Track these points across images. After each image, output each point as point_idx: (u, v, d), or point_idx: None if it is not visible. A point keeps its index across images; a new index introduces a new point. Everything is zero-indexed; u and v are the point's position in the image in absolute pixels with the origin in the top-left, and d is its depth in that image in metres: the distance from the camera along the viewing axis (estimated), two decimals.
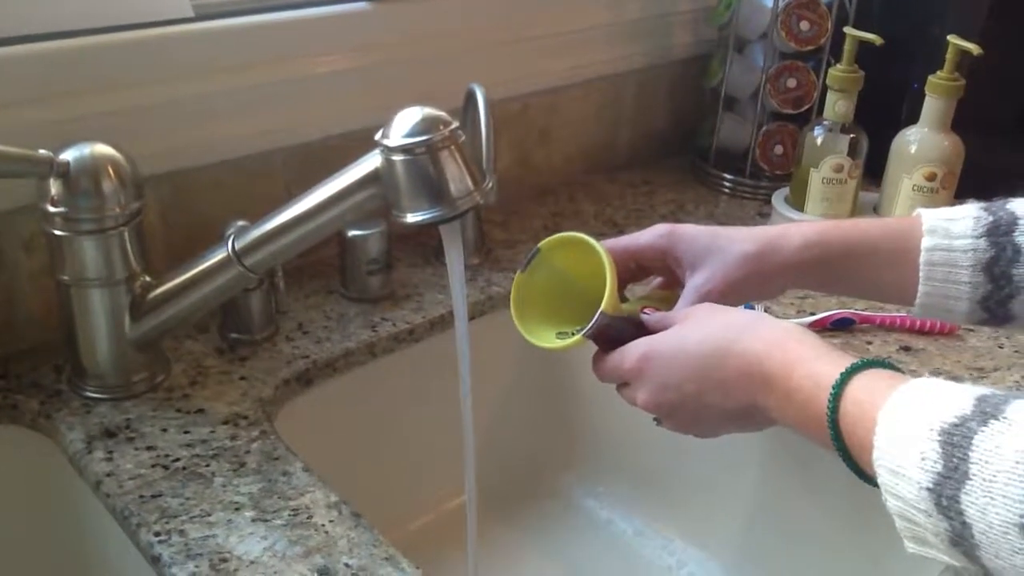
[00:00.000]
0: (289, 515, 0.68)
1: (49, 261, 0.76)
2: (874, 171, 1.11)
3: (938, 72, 1.02)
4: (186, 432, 0.76)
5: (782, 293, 0.70)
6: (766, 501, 0.93)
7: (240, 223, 0.78)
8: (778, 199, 1.14)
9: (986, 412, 0.44)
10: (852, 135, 1.07)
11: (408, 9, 1.00)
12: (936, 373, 0.87)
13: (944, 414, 0.45)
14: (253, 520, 0.67)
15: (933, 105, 1.03)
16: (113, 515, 0.69)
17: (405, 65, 1.01)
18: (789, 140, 1.23)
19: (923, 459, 0.45)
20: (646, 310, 0.66)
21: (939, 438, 0.45)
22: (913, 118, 1.07)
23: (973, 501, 0.43)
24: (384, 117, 0.69)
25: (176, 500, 0.69)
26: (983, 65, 1.01)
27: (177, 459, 0.73)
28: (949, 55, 1.01)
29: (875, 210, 1.11)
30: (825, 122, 1.08)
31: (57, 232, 0.73)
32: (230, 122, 0.90)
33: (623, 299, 0.70)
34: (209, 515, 0.67)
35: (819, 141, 1.08)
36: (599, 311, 0.63)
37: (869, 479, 0.50)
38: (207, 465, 0.72)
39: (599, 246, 0.65)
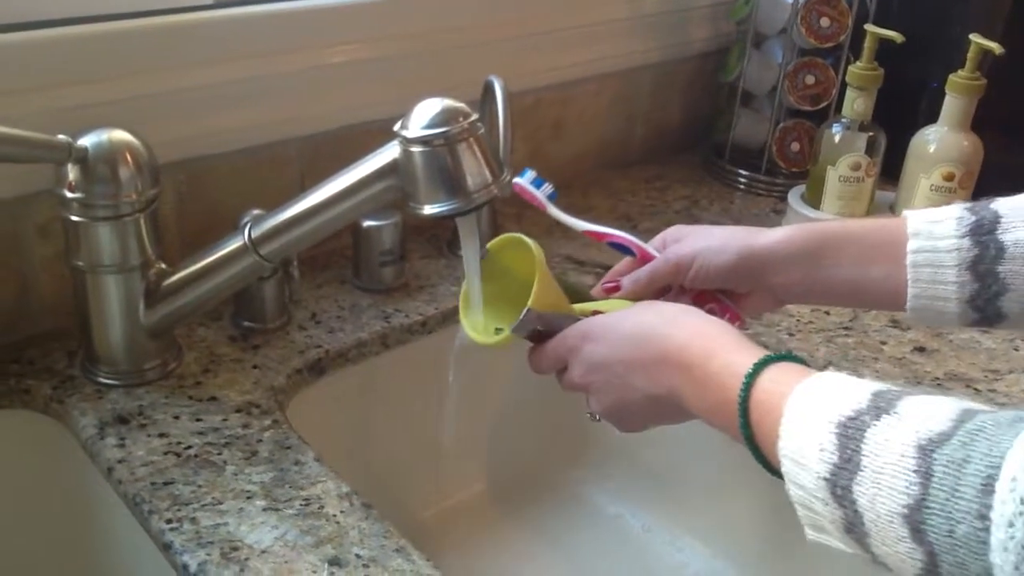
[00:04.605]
0: (301, 505, 0.68)
1: (64, 246, 0.76)
2: (889, 170, 1.11)
3: (959, 71, 1.01)
4: (198, 420, 0.76)
5: (773, 298, 0.71)
6: (776, 500, 0.92)
7: (255, 211, 0.78)
8: (794, 196, 1.13)
9: (880, 407, 0.46)
10: (870, 133, 1.06)
11: (426, 0, 0.99)
12: (951, 375, 0.87)
13: (843, 407, 0.47)
14: (264, 509, 0.67)
15: (953, 104, 1.02)
16: (125, 501, 0.69)
17: (421, 56, 1.01)
18: (806, 137, 1.22)
19: (821, 450, 0.47)
20: (598, 313, 0.67)
21: (836, 430, 0.47)
22: (931, 117, 1.07)
23: (864, 491, 0.45)
24: (399, 108, 0.68)
25: (188, 488, 0.69)
26: (1003, 64, 1.00)
27: (189, 447, 0.73)
28: (971, 54, 1.00)
29: (891, 209, 1.11)
30: (843, 120, 1.07)
31: (74, 218, 0.73)
32: (247, 110, 0.90)
33: (581, 300, 0.71)
34: (221, 503, 0.67)
35: (837, 139, 1.07)
36: (526, 308, 0.64)
37: (773, 470, 0.53)
38: (219, 453, 0.72)
39: (534, 245, 0.66)
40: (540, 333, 0.66)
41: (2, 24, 0.76)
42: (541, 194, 0.74)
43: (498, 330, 0.68)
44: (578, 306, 0.69)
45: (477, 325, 0.69)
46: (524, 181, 0.73)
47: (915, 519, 0.43)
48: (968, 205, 0.63)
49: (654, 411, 0.63)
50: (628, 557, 0.97)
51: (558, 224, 0.75)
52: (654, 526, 0.99)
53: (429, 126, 0.65)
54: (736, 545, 0.95)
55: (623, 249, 0.74)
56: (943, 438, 0.43)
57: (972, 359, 0.89)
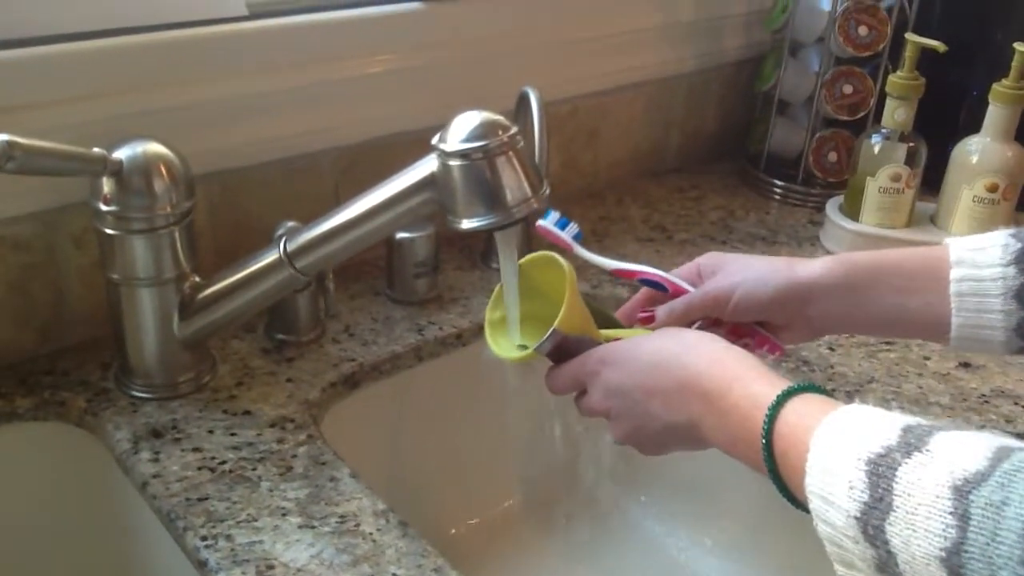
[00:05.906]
0: (336, 522, 0.67)
1: (99, 258, 0.76)
2: (928, 180, 1.09)
3: (1003, 80, 0.99)
4: (232, 434, 0.75)
5: (811, 329, 0.69)
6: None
7: (290, 224, 0.78)
8: (832, 207, 1.12)
9: (910, 443, 0.45)
10: (911, 144, 1.04)
11: (460, 10, 0.99)
12: (997, 392, 0.85)
13: (871, 444, 0.46)
14: (300, 527, 0.66)
15: (997, 114, 1.00)
16: (159, 517, 0.69)
17: (456, 66, 1.00)
18: (843, 147, 1.20)
19: (851, 488, 0.46)
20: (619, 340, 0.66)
21: (866, 468, 0.46)
22: (972, 126, 1.05)
23: (897, 532, 0.44)
24: (433, 119, 0.68)
25: (223, 504, 0.68)
26: None
27: (223, 462, 0.72)
28: (1015, 63, 0.98)
29: (932, 221, 1.09)
30: (883, 130, 1.05)
31: (108, 231, 0.73)
32: (280, 121, 0.89)
33: (606, 325, 0.70)
34: (256, 520, 0.67)
35: (877, 149, 1.05)
36: (552, 328, 0.63)
37: (797, 502, 0.52)
38: (254, 469, 0.71)
39: (567, 266, 0.65)
40: (561, 353, 0.66)
41: (36, 37, 0.76)
42: (567, 235, 0.72)
43: (521, 347, 0.68)
44: (604, 332, 0.69)
45: (501, 340, 0.68)
46: (548, 223, 0.72)
47: (953, 563, 0.41)
48: (1012, 232, 0.62)
49: (674, 438, 0.62)
50: (664, 574, 0.96)
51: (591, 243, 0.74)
52: (689, 545, 0.98)
53: (468, 139, 0.64)
54: (777, 566, 0.93)
55: (655, 285, 0.73)
56: (979, 478, 0.42)
57: (1020, 375, 0.87)
